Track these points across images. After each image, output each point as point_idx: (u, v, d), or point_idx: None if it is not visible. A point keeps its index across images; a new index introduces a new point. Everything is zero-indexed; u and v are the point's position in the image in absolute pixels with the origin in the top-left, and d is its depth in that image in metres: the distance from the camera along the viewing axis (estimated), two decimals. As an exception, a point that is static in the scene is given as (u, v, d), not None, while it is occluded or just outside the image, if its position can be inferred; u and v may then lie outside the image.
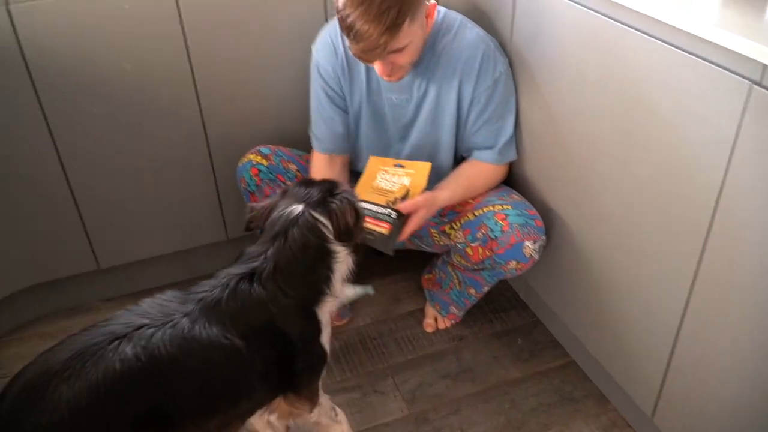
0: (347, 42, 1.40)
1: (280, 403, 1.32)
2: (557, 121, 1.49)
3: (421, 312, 1.95)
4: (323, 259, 1.25)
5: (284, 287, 1.20)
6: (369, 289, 1.76)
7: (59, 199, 1.78)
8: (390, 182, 1.57)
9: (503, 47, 1.61)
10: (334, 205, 1.26)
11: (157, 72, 1.71)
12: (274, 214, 1.27)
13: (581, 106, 1.40)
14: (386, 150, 1.71)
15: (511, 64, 1.60)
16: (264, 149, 1.72)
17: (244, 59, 1.78)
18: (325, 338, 1.31)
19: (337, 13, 1.36)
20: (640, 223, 1.31)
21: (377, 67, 1.44)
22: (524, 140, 1.63)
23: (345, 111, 1.67)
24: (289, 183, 1.69)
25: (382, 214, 1.48)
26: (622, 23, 1.23)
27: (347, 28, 1.34)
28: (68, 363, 1.04)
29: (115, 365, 1.04)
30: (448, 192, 1.58)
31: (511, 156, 1.65)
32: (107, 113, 1.72)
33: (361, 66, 1.59)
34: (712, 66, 1.06)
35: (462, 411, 1.66)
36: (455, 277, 1.78)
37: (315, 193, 1.27)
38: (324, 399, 1.42)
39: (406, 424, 1.63)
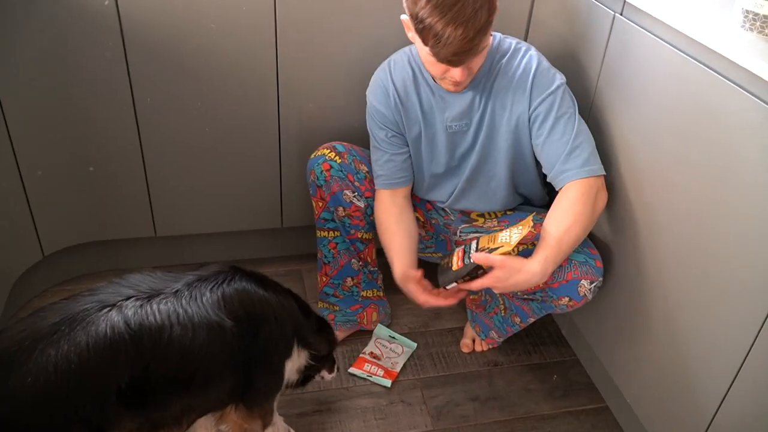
0: (428, 51, 1.37)
1: (231, 414, 1.31)
2: (633, 163, 1.46)
3: (460, 331, 1.94)
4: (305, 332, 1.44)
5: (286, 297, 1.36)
6: (413, 346, 1.86)
7: (131, 165, 1.84)
8: (507, 235, 1.47)
9: (590, 86, 1.59)
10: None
11: (243, 57, 1.75)
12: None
13: (661, 151, 1.37)
14: (442, 179, 1.71)
15: (594, 104, 1.58)
16: (339, 146, 1.73)
17: (329, 56, 1.80)
18: (290, 367, 1.40)
19: (419, 23, 1.33)
20: (706, 279, 1.27)
21: (456, 73, 1.41)
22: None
23: (404, 145, 1.67)
24: (357, 183, 1.71)
25: (468, 256, 1.45)
26: (716, 72, 1.20)
27: (434, 36, 1.32)
28: (56, 327, 1.04)
29: (105, 331, 1.05)
30: (539, 254, 1.41)
31: (600, 168, 1.48)
32: (189, 92, 1.77)
33: (414, 98, 1.59)
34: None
35: (486, 437, 1.64)
36: (502, 302, 1.77)
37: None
38: (278, 420, 1.47)
39: (428, 439, 1.63)
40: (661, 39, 1.34)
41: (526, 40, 1.84)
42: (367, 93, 1.66)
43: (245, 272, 1.31)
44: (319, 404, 1.68)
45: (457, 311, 2.00)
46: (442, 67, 1.42)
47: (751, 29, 1.20)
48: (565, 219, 1.45)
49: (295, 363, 1.42)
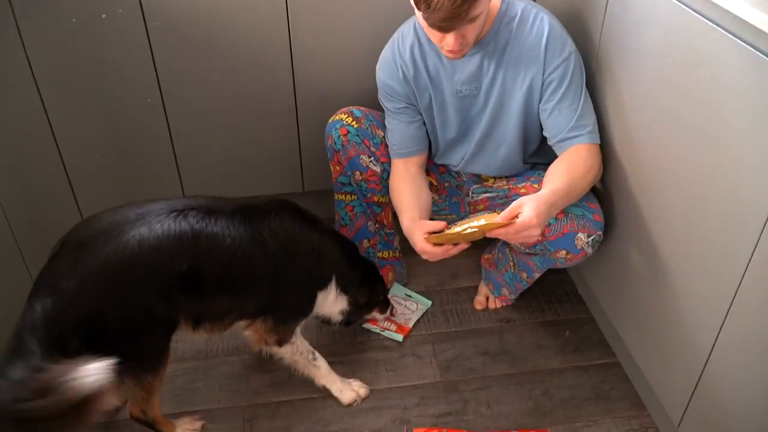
0: (421, 16, 1.40)
1: (257, 324, 1.53)
2: (632, 120, 1.46)
3: (475, 290, 1.98)
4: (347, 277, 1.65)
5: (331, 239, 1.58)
6: (428, 304, 1.94)
7: (157, 133, 1.95)
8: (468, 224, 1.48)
9: (592, 47, 1.59)
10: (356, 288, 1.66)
11: (256, 28, 1.82)
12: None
13: (656, 105, 1.36)
14: (454, 144, 1.74)
15: (598, 65, 1.58)
16: (356, 111, 1.78)
17: (341, 24, 1.85)
18: (325, 300, 1.61)
19: None
20: (695, 227, 1.28)
21: (449, 40, 1.44)
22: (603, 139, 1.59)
23: (416, 114, 1.70)
24: (373, 149, 1.77)
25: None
26: (707, 19, 1.18)
27: (425, 1, 1.35)
28: (138, 216, 1.32)
29: (173, 227, 1.32)
30: (546, 188, 1.46)
31: (599, 138, 1.55)
32: (207, 63, 1.86)
33: (422, 67, 1.61)
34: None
35: (493, 388, 1.69)
36: (511, 259, 1.80)
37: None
38: (300, 340, 1.61)
39: (435, 390, 1.69)
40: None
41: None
42: (376, 68, 1.70)
43: (298, 208, 1.53)
44: (332, 356, 1.76)
45: (473, 272, 2.04)
46: (437, 34, 1.44)
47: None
48: (566, 173, 1.48)
49: (332, 301, 1.62)
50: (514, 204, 1.39)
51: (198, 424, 1.59)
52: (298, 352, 1.60)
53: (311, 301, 1.57)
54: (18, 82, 1.75)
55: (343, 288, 1.63)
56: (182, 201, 1.39)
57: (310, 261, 1.53)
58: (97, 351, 1.15)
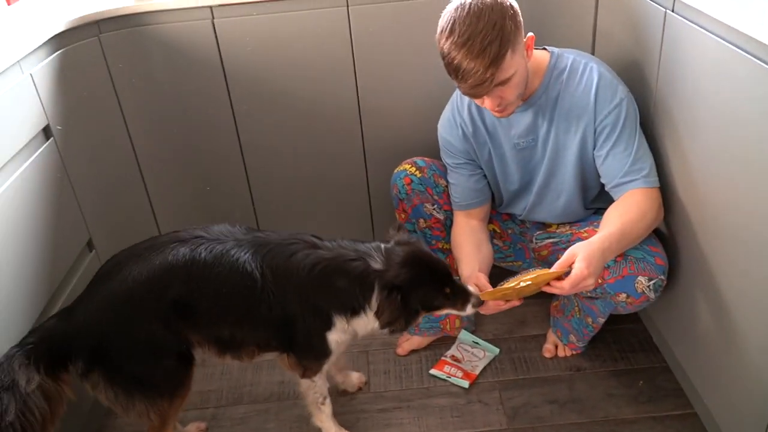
0: (457, 84, 1.47)
1: (284, 359, 1.57)
2: (692, 163, 1.45)
3: (544, 338, 1.96)
4: (354, 305, 1.46)
5: (317, 278, 1.43)
6: (495, 351, 1.93)
7: (237, 179, 2.11)
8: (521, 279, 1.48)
9: (649, 92, 1.60)
10: (389, 300, 1.41)
11: (327, 85, 1.96)
12: (378, 246, 1.49)
13: (714, 147, 1.35)
14: (517, 195, 1.78)
15: (656, 109, 1.58)
16: (420, 161, 1.86)
17: (404, 77, 1.96)
18: (335, 337, 1.50)
19: (443, 59, 1.45)
20: (760, 274, 1.24)
21: (487, 103, 1.50)
22: (664, 184, 1.58)
23: (476, 168, 1.76)
24: (436, 197, 1.82)
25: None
26: (760, 60, 1.19)
27: (454, 70, 1.43)
28: (144, 251, 1.43)
29: (168, 258, 1.41)
30: (599, 234, 1.44)
31: (657, 182, 1.54)
32: (281, 114, 2.00)
33: (480, 123, 1.68)
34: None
35: (560, 437, 1.66)
36: (576, 304, 1.78)
37: (401, 276, 1.42)
38: (321, 381, 1.61)
39: (501, 437, 1.68)
40: (709, 32, 1.33)
41: (593, 53, 1.88)
42: (438, 126, 1.78)
43: (314, 244, 1.48)
44: (399, 401, 1.79)
45: (542, 319, 2.03)
46: (475, 99, 1.52)
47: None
48: (619, 217, 1.48)
49: (339, 334, 1.50)
50: (567, 253, 1.40)
51: (203, 425, 1.75)
52: (313, 390, 1.61)
53: (322, 343, 1.50)
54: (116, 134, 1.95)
55: (354, 311, 1.47)
56: (193, 230, 1.48)
57: (306, 304, 1.46)
58: (106, 374, 1.37)
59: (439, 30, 1.45)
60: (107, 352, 1.38)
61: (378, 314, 1.43)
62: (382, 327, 1.46)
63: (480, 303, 1.50)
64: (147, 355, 1.42)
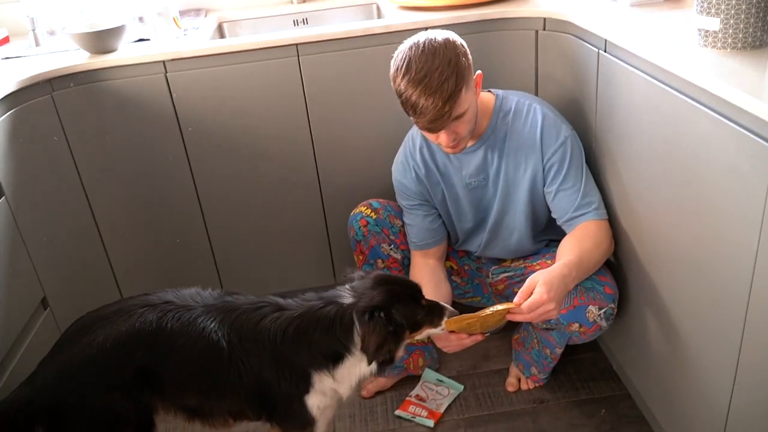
0: (415, 120, 1.52)
1: (270, 429, 1.49)
2: (630, 194, 1.52)
3: (507, 372, 1.98)
4: (335, 350, 1.38)
5: (292, 337, 1.37)
6: (459, 388, 1.93)
7: (196, 236, 2.12)
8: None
9: (590, 128, 1.67)
10: (372, 322, 1.34)
11: (282, 133, 2.00)
12: (342, 287, 1.44)
13: (648, 179, 1.42)
14: (472, 233, 1.82)
15: (597, 144, 1.65)
16: (375, 203, 1.90)
17: (356, 122, 2.01)
18: (315, 401, 1.42)
19: (399, 96, 1.50)
20: (693, 292, 1.30)
21: (442, 138, 1.54)
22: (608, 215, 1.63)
23: (431, 209, 1.80)
24: (393, 237, 1.86)
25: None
26: (679, 92, 1.25)
27: (412, 107, 1.47)
28: (112, 315, 1.40)
29: (135, 324, 1.37)
30: (558, 262, 1.48)
31: (606, 214, 1.61)
32: (237, 164, 2.03)
33: (432, 165, 1.73)
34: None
35: (525, 471, 1.67)
36: (534, 336, 1.81)
37: (377, 298, 1.36)
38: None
39: (466, 474, 1.68)
40: (638, 69, 1.41)
41: (537, 94, 1.95)
42: (392, 169, 1.83)
43: (279, 306, 1.42)
44: (365, 444, 1.79)
45: (505, 353, 2.05)
46: (431, 134, 1.56)
47: (705, 45, 1.26)
48: (576, 246, 1.53)
49: (319, 397, 1.42)
50: (527, 282, 1.43)
51: None
52: None
53: (302, 407, 1.42)
54: (70, 190, 1.95)
55: (336, 358, 1.40)
56: (165, 294, 1.44)
57: (277, 370, 1.39)
58: None
59: (393, 69, 1.50)
60: (64, 419, 1.35)
61: (365, 344, 1.35)
62: (372, 358, 1.36)
63: (453, 313, 1.45)
64: (102, 426, 1.39)
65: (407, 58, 1.46)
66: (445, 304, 1.47)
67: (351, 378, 1.43)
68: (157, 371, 1.38)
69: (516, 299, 1.42)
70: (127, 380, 1.36)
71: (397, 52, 1.51)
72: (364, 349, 1.36)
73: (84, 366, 1.35)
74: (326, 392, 1.43)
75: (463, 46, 1.50)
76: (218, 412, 1.45)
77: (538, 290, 1.39)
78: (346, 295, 1.41)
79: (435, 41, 1.47)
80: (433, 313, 1.44)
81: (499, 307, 1.44)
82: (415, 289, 1.44)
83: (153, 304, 1.41)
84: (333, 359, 1.39)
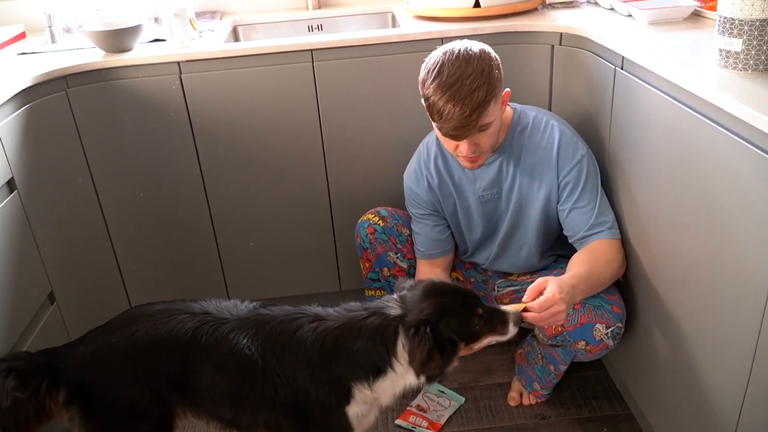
0: (436, 126, 1.52)
1: None
2: (642, 213, 1.51)
3: (510, 386, 1.97)
4: (377, 363, 1.33)
5: (331, 348, 1.33)
6: (461, 400, 1.91)
7: (204, 236, 2.11)
8: None
9: (603, 147, 1.66)
10: (418, 337, 1.28)
11: (293, 137, 2.00)
12: (391, 297, 1.40)
13: (661, 199, 1.41)
14: (481, 246, 1.82)
15: (610, 163, 1.65)
16: (383, 211, 1.90)
17: (368, 129, 2.01)
18: (355, 411, 1.38)
19: (426, 100, 1.49)
20: (705, 314, 1.29)
21: (463, 147, 1.54)
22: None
23: (440, 219, 1.80)
24: (399, 246, 1.85)
25: None
26: (704, 116, 1.24)
27: (438, 112, 1.47)
28: (157, 313, 1.42)
29: (173, 330, 1.38)
30: (569, 273, 1.48)
31: (619, 233, 1.60)
32: (247, 166, 2.03)
33: (446, 175, 1.72)
34: None
35: (525, 487, 1.65)
36: (539, 352, 1.80)
37: (424, 311, 1.30)
38: None
39: (465, 488, 1.66)
40: (655, 88, 1.40)
41: (551, 108, 1.95)
42: (404, 177, 1.82)
43: (314, 319, 1.38)
44: (364, 453, 1.77)
45: (507, 367, 2.04)
46: (452, 142, 1.56)
47: (726, 66, 1.26)
48: (587, 260, 1.52)
49: (360, 406, 1.38)
50: (536, 282, 1.41)
51: None
52: None
53: (342, 418, 1.38)
54: (81, 187, 1.96)
55: (376, 372, 1.34)
56: (207, 303, 1.44)
57: (314, 383, 1.36)
58: (85, 411, 1.37)
59: (424, 72, 1.50)
60: (92, 395, 1.39)
61: (411, 359, 1.29)
62: (419, 374, 1.30)
63: (520, 320, 1.36)
64: (125, 414, 1.41)
65: (440, 62, 1.47)
66: (507, 309, 1.38)
67: (394, 389, 1.38)
68: (189, 382, 1.39)
69: (525, 298, 1.40)
70: (157, 381, 1.39)
71: (429, 57, 1.51)
72: (410, 361, 1.31)
73: (120, 355, 1.39)
74: (367, 401, 1.39)
75: (497, 59, 1.50)
76: (254, 425, 1.43)
77: (550, 289, 1.37)
78: (393, 306, 1.35)
79: (470, 50, 1.47)
80: (494, 320, 1.35)
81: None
82: (470, 299, 1.36)
83: (193, 312, 1.42)
84: (374, 372, 1.34)
